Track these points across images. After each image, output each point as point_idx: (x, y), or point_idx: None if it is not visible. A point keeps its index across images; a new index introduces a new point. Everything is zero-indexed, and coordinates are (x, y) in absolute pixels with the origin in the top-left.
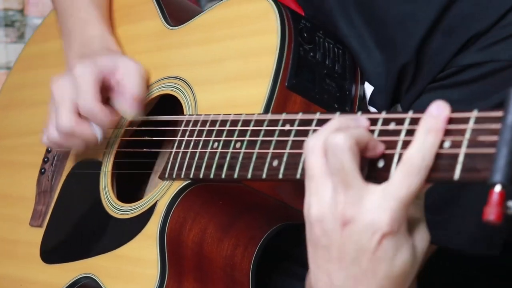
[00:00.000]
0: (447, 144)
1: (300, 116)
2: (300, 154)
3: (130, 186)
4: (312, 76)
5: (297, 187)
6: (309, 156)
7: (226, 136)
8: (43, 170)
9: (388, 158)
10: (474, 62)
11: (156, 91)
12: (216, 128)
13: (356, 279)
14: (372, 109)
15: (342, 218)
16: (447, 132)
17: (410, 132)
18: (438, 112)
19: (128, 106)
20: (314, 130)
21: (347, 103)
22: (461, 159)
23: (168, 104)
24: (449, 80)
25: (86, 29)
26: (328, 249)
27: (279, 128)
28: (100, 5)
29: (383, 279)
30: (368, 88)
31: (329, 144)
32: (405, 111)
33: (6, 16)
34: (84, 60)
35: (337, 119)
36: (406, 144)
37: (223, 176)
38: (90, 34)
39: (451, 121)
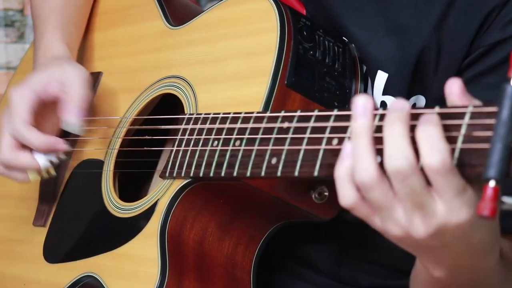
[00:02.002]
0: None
1: (298, 113)
2: (298, 152)
3: (135, 186)
4: (312, 75)
5: (296, 185)
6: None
7: (225, 134)
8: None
9: None
10: (501, 38)
11: (157, 91)
12: (216, 126)
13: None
14: (388, 97)
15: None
16: (444, 128)
17: None
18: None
19: (72, 116)
20: (312, 128)
21: (347, 101)
22: (456, 154)
23: (170, 103)
24: (482, 64)
25: (40, 41)
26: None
27: (277, 125)
28: (64, 11)
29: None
30: (382, 77)
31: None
32: (434, 102)
33: (6, 16)
34: (19, 85)
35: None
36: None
37: (222, 174)
38: (41, 47)
39: (447, 116)
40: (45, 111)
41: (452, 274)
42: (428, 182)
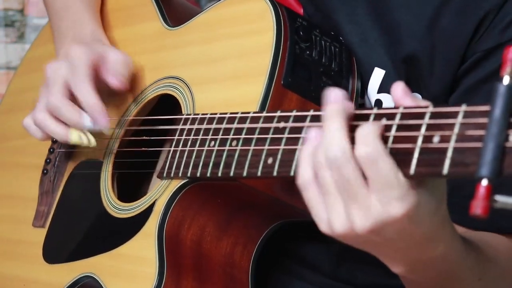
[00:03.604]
0: (436, 139)
1: (294, 113)
2: (294, 152)
3: (133, 186)
4: (308, 74)
5: (292, 184)
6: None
7: (222, 135)
8: (45, 171)
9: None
10: (499, 43)
11: (155, 91)
12: (213, 126)
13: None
14: (384, 95)
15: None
16: (437, 127)
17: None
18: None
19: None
20: (308, 127)
21: None
22: (449, 153)
23: (168, 104)
24: (481, 70)
25: (78, 29)
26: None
27: (274, 125)
28: (92, 6)
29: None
30: (378, 74)
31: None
32: (434, 103)
33: (6, 16)
34: (81, 45)
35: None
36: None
37: (219, 174)
38: (82, 32)
39: (441, 116)
40: None
41: (412, 269)
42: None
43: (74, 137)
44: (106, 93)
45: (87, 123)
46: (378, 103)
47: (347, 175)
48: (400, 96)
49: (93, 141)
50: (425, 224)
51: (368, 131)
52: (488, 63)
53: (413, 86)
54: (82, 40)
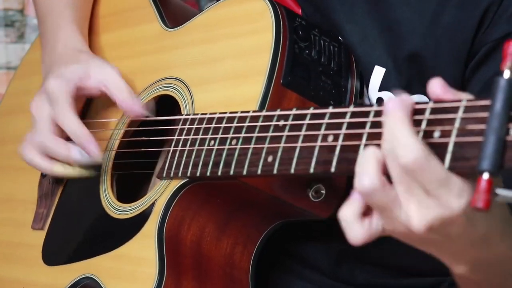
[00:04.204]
0: (436, 134)
1: (294, 111)
2: (294, 149)
3: (133, 187)
4: (308, 73)
5: (293, 183)
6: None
7: (222, 134)
8: (44, 174)
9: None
10: (509, 31)
11: (154, 92)
12: (213, 125)
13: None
14: (385, 93)
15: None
16: (438, 122)
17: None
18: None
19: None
20: (308, 125)
21: (342, 100)
22: (450, 148)
23: (167, 104)
24: (494, 63)
25: (57, 34)
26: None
27: (273, 123)
28: (77, 7)
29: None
30: (379, 72)
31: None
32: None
33: (6, 16)
34: (55, 75)
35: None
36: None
37: (219, 173)
38: (60, 40)
39: (441, 111)
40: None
41: (474, 269)
42: None
43: (58, 168)
44: (104, 95)
45: (76, 156)
46: (380, 101)
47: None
48: (440, 92)
49: (77, 172)
50: (485, 218)
51: (403, 133)
52: (499, 55)
53: (417, 84)
54: (59, 53)
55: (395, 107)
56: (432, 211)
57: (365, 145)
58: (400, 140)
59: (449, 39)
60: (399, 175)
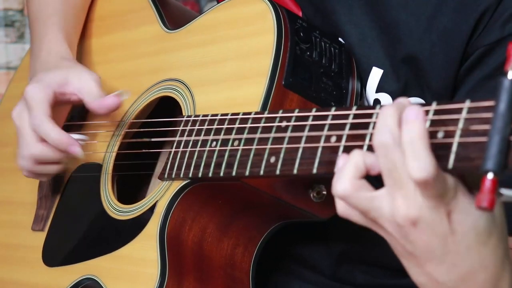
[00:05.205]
0: (440, 134)
1: (296, 113)
2: (297, 150)
3: (134, 188)
4: (309, 75)
5: (295, 184)
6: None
7: (224, 135)
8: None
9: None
10: (501, 36)
11: (155, 94)
12: (215, 127)
13: (455, 265)
14: (382, 95)
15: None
16: (441, 123)
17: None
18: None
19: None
20: (310, 126)
21: (343, 101)
22: (454, 148)
23: (168, 106)
24: (486, 66)
25: (42, 41)
26: (414, 254)
27: (276, 124)
28: (65, 14)
29: (476, 244)
30: (376, 74)
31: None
32: (432, 101)
33: (6, 16)
34: (34, 81)
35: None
36: None
37: (221, 174)
38: (44, 47)
39: (445, 112)
40: (53, 110)
41: (451, 270)
42: None
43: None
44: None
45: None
46: (376, 102)
47: (394, 160)
48: None
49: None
50: (468, 234)
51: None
52: (492, 59)
53: (413, 85)
54: (43, 61)
55: (419, 118)
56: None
57: (369, 145)
58: (417, 152)
59: (444, 43)
60: (391, 169)
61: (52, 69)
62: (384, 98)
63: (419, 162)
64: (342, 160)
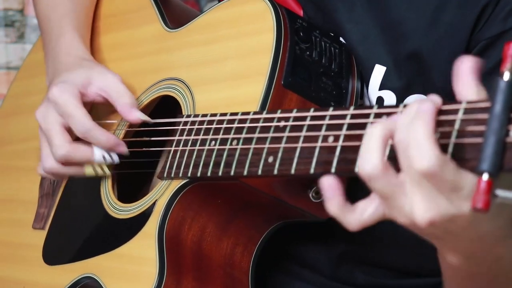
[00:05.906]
0: (436, 135)
1: (294, 113)
2: (294, 150)
3: (134, 187)
4: (308, 75)
5: (293, 184)
6: None
7: (223, 134)
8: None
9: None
10: (503, 29)
11: (155, 93)
12: (214, 126)
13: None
14: (385, 92)
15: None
16: (437, 124)
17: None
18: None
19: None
20: (308, 126)
21: (343, 101)
22: (450, 149)
23: (168, 104)
24: (488, 61)
25: (58, 43)
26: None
27: (274, 124)
28: (77, 13)
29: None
30: (379, 71)
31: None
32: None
33: (6, 16)
34: (58, 82)
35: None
36: None
37: (220, 173)
38: (62, 48)
39: (441, 112)
40: None
41: (466, 263)
42: None
43: (90, 171)
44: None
45: (98, 158)
46: (380, 100)
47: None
48: (466, 73)
49: (107, 172)
50: (491, 220)
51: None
52: (493, 53)
53: (416, 82)
54: (62, 61)
55: (429, 111)
56: (439, 207)
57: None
58: (421, 143)
59: (448, 38)
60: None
61: (74, 69)
62: (388, 95)
63: (420, 151)
64: (369, 135)
